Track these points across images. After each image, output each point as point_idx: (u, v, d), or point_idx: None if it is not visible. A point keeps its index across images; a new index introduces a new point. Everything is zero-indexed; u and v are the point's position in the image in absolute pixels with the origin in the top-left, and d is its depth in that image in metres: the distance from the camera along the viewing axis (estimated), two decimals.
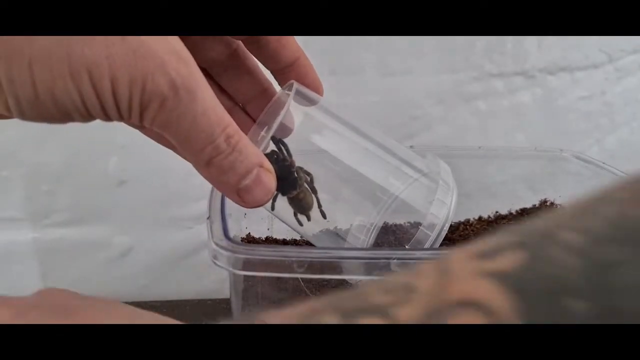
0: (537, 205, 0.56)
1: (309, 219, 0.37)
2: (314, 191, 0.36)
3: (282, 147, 0.34)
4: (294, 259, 0.32)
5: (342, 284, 0.39)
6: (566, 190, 0.56)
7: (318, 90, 0.35)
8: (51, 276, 0.61)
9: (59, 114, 0.24)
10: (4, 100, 0.23)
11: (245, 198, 0.28)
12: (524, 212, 0.56)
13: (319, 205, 0.36)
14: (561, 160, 0.56)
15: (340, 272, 0.32)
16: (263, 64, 0.34)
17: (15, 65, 0.22)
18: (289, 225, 0.38)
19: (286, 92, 0.34)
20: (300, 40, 0.33)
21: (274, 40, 0.32)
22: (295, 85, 0.33)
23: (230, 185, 0.27)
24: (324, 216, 0.36)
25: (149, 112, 0.24)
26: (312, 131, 0.36)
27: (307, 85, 0.34)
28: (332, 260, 0.32)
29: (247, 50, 0.34)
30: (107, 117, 0.25)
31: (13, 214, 0.59)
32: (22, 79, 0.23)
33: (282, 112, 0.32)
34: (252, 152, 0.27)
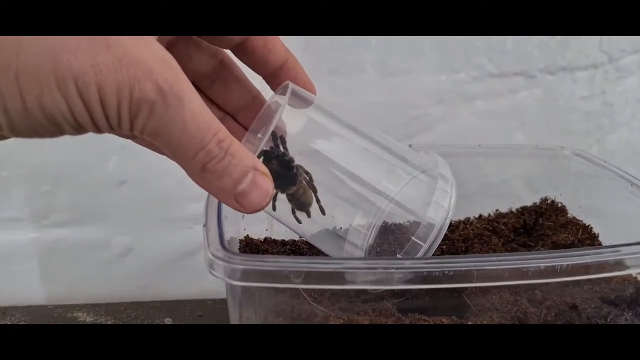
0: (538, 204, 0.56)
1: (309, 215, 0.36)
2: (314, 189, 0.36)
3: (281, 143, 0.34)
4: (290, 269, 0.31)
5: (340, 292, 0.38)
6: (567, 189, 0.56)
7: (310, 90, 0.35)
8: (51, 276, 0.61)
9: (50, 125, 0.24)
10: None
11: (243, 203, 0.28)
12: (524, 211, 0.56)
13: (318, 201, 0.36)
14: (562, 158, 0.56)
15: (337, 282, 0.32)
16: (253, 70, 0.34)
17: (2, 78, 0.22)
18: (288, 227, 0.38)
19: (279, 94, 0.34)
20: (300, 40, 0.33)
21: (260, 45, 0.32)
22: (291, 85, 0.33)
23: (227, 191, 0.27)
24: (323, 212, 0.36)
25: (139, 120, 0.24)
26: (308, 132, 0.36)
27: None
28: (329, 270, 0.32)
29: (233, 60, 0.34)
30: (97, 127, 0.24)
31: (13, 214, 0.59)
32: (10, 91, 0.23)
33: (280, 112, 0.32)
34: (246, 155, 0.27)
